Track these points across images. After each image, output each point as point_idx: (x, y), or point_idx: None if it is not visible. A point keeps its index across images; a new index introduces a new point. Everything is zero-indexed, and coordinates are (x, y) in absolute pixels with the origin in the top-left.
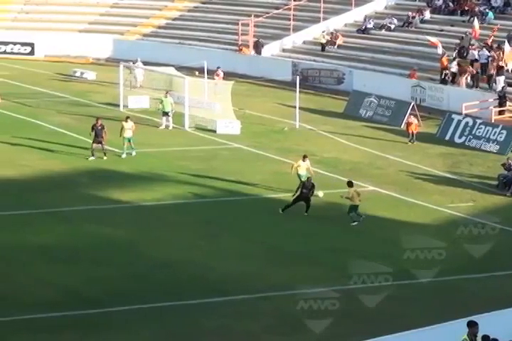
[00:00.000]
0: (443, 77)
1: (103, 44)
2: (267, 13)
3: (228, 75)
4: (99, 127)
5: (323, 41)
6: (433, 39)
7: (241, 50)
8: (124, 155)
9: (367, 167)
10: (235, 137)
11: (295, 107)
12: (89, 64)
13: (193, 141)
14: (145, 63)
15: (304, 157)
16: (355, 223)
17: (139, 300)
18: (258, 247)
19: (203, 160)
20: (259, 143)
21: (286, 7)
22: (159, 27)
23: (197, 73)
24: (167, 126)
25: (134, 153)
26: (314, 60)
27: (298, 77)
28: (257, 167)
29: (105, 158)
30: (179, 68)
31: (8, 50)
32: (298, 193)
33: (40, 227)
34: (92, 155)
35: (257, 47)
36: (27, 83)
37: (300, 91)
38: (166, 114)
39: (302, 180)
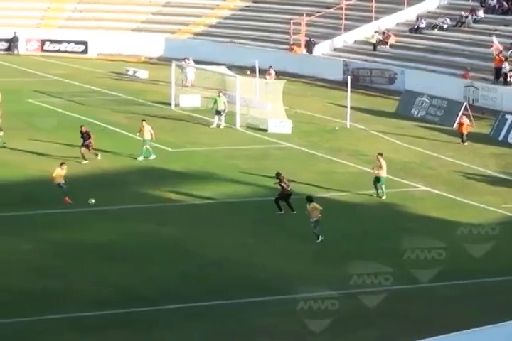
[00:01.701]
0: (502, 77)
1: (155, 43)
2: (319, 12)
3: (280, 74)
4: (85, 133)
5: (375, 41)
6: (496, 41)
7: (292, 49)
8: (140, 158)
9: (418, 167)
10: (286, 136)
11: (346, 107)
12: (142, 63)
13: (244, 140)
14: (196, 62)
15: (379, 154)
16: (321, 239)
17: (188, 298)
18: (307, 246)
19: (254, 159)
20: (310, 143)
21: (338, 6)
22: (211, 26)
23: (248, 72)
24: (218, 125)
25: (152, 157)
26: (366, 60)
27: (349, 76)
28: (308, 166)
29: (99, 157)
30: (230, 67)
31: (62, 49)
32: (281, 190)
33: (92, 225)
34: (85, 158)
35: (309, 46)
36: (81, 81)
37: (351, 91)
38: (218, 113)
39: (381, 183)
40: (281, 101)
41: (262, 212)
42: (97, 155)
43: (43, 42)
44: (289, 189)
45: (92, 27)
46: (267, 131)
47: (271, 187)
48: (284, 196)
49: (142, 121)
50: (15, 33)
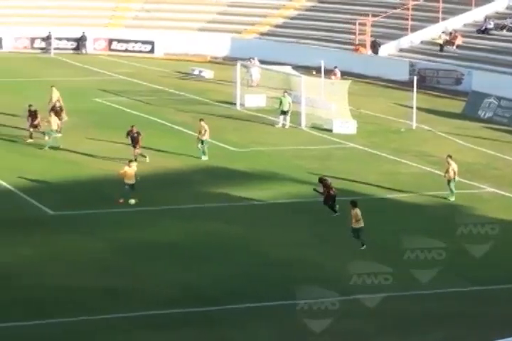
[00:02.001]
0: None
1: (221, 42)
2: (385, 12)
3: (345, 75)
4: (135, 134)
5: (441, 41)
6: None
7: (358, 49)
8: (204, 158)
9: (485, 168)
10: (351, 136)
11: (412, 107)
12: (207, 62)
13: (308, 140)
14: (262, 62)
15: (449, 157)
16: (364, 246)
17: (254, 298)
18: (371, 247)
19: (319, 159)
20: (375, 143)
21: (404, 7)
22: (276, 26)
23: (314, 72)
24: (284, 125)
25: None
26: (432, 60)
27: (415, 77)
28: (373, 167)
29: (147, 159)
30: (296, 67)
31: (130, 48)
32: (325, 194)
33: (159, 225)
34: (144, 156)
35: (374, 46)
36: (146, 81)
37: (417, 92)
38: (284, 112)
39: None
40: (347, 102)
41: (327, 213)
42: (145, 156)
43: (110, 41)
44: (332, 191)
45: (158, 27)
46: (331, 131)
47: (336, 188)
48: (331, 198)
49: (200, 120)
50: (83, 32)
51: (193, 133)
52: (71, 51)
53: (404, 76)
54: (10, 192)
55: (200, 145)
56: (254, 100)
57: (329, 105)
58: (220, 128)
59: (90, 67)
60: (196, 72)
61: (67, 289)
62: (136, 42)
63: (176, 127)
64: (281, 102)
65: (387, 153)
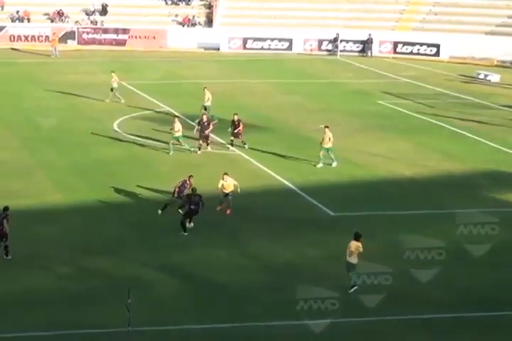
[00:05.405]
0: None
1: (509, 46)
2: None
3: None
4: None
5: None
6: None
7: None
8: (320, 165)
9: None
10: None
11: None
12: (494, 66)
13: None
14: None
15: None
16: (354, 288)
17: None
18: None
19: None
20: None
21: None
22: None
23: None
24: None
25: (334, 164)
26: None
27: None
28: None
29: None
30: None
31: (415, 51)
32: (186, 209)
33: (440, 228)
34: None
35: None
36: (430, 84)
37: None
38: None
39: None
40: None
41: None
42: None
43: (395, 44)
44: (192, 207)
45: (445, 30)
46: None
47: None
48: (190, 214)
49: (325, 127)
50: (369, 35)
51: (477, 138)
52: (356, 53)
53: None
54: (294, 193)
55: (324, 153)
56: None
57: None
58: (504, 133)
59: (375, 70)
60: (482, 76)
61: (345, 290)
62: (421, 45)
63: (459, 131)
64: None
65: None
